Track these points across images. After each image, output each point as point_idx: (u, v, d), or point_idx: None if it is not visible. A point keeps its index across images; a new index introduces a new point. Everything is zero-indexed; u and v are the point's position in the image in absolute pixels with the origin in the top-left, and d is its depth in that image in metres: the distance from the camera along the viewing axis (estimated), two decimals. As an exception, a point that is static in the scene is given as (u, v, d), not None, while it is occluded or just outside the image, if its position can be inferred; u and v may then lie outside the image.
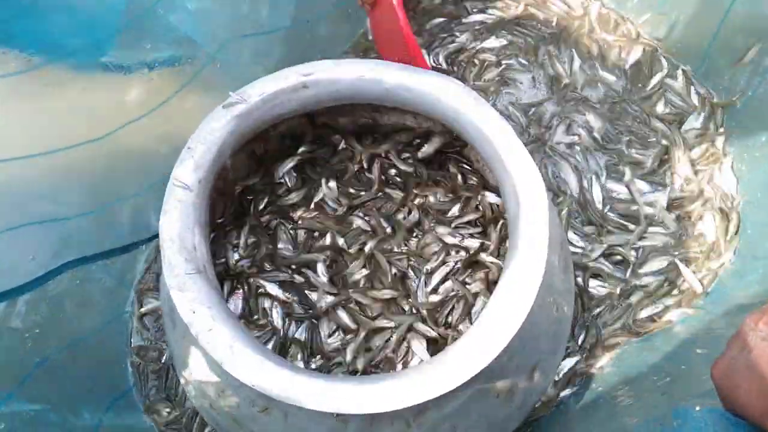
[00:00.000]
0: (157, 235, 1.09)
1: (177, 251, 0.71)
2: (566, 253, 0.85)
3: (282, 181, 0.96)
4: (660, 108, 1.12)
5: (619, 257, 1.02)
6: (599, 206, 1.05)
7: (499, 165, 0.73)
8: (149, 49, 0.99)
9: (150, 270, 1.10)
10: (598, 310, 0.98)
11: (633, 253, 1.01)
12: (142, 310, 1.05)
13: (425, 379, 0.65)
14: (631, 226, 1.03)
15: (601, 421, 0.82)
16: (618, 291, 0.99)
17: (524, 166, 0.71)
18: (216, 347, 0.66)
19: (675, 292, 0.98)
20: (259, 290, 0.91)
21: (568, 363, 0.95)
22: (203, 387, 0.80)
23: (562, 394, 0.94)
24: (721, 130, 1.08)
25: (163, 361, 1.03)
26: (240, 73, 0.80)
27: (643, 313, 0.97)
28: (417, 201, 0.95)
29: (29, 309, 0.91)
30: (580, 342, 0.96)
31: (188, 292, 0.69)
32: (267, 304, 0.91)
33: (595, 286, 1.00)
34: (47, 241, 0.94)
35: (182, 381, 0.87)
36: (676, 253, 1.01)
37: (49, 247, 0.94)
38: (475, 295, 0.87)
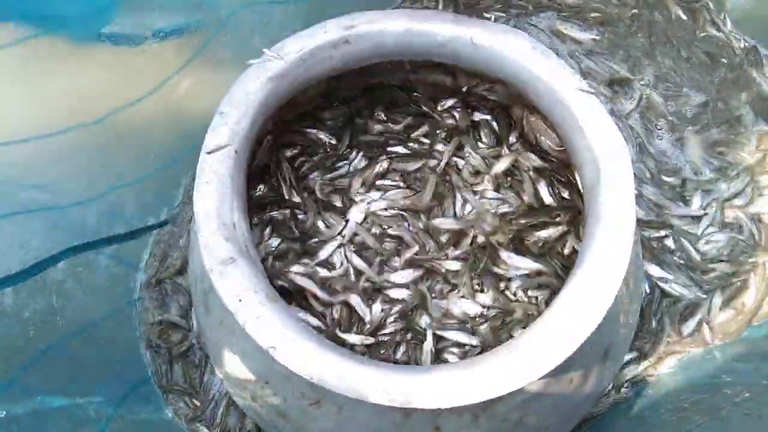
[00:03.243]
0: (165, 222, 1.02)
1: (216, 230, 0.63)
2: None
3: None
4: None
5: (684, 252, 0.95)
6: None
7: (571, 126, 0.65)
8: (154, 18, 0.91)
9: (163, 254, 1.03)
10: (662, 306, 0.91)
11: (699, 252, 0.94)
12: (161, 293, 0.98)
13: (502, 369, 0.58)
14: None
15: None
16: (688, 292, 0.91)
17: (604, 127, 0.63)
18: (266, 337, 0.59)
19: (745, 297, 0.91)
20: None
21: (627, 356, 0.88)
22: (244, 378, 0.73)
23: (616, 397, 0.87)
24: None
25: (184, 346, 0.96)
26: (255, 46, 0.71)
27: (716, 318, 0.89)
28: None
29: (29, 297, 0.85)
30: (640, 342, 0.89)
31: (231, 278, 0.61)
32: None
33: (662, 279, 0.92)
34: (38, 231, 0.88)
35: (218, 371, 0.80)
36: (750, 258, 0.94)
37: (42, 237, 0.88)
38: None
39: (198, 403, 0.93)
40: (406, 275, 0.78)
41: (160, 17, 0.92)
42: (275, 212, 0.83)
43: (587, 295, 0.58)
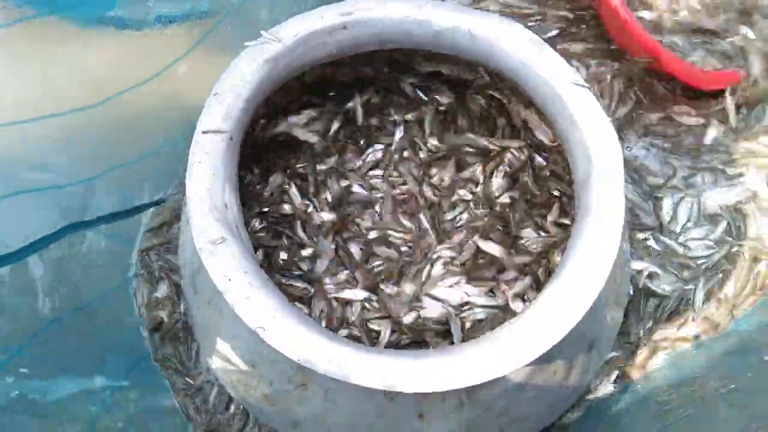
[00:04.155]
0: (159, 201, 1.03)
1: (207, 211, 0.63)
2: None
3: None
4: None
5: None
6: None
7: (566, 120, 0.66)
8: (158, 3, 0.91)
9: (155, 232, 1.03)
10: (648, 303, 0.92)
11: (682, 247, 0.95)
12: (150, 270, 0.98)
13: (488, 356, 0.59)
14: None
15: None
16: (672, 288, 0.92)
17: (598, 122, 0.64)
18: (255, 318, 0.59)
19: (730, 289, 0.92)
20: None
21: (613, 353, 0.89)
22: (230, 360, 0.73)
23: (602, 393, 0.88)
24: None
25: (171, 323, 0.96)
26: (259, 34, 0.72)
27: (700, 312, 0.91)
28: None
29: (29, 274, 0.86)
30: (626, 339, 0.90)
31: (221, 257, 0.61)
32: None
33: (646, 274, 0.93)
34: (41, 209, 0.89)
35: (204, 352, 0.80)
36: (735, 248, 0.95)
37: (45, 215, 0.89)
38: None
39: (191, 382, 0.93)
40: None
41: (164, 2, 0.92)
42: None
43: (575, 285, 0.59)
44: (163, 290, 0.98)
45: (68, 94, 0.87)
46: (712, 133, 1.03)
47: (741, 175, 1.00)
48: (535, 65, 0.67)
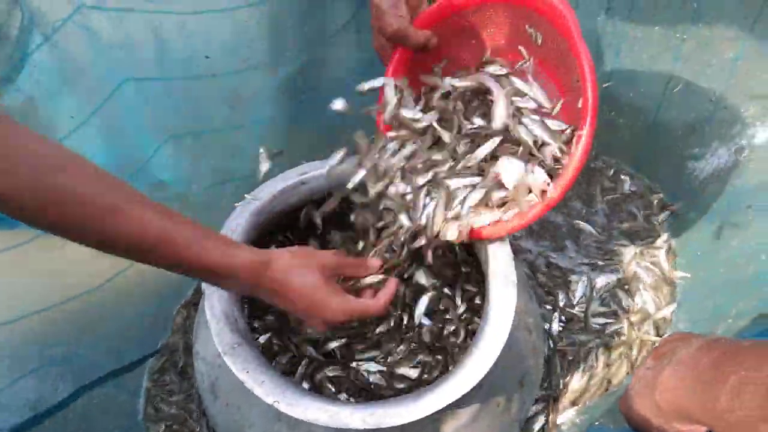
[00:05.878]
0: (154, 352, 1.26)
1: (224, 325, 0.86)
2: (527, 286, 1.06)
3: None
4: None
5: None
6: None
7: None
8: None
9: (156, 379, 1.25)
10: (564, 363, 1.17)
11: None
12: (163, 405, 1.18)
13: (442, 391, 0.81)
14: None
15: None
16: (574, 347, 1.18)
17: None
18: (270, 394, 0.81)
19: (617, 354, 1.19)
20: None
21: (534, 408, 1.13)
22: (250, 445, 0.92)
23: None
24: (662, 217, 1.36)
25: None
26: (220, 213, 0.97)
27: (601, 375, 1.17)
28: None
29: (64, 423, 1.06)
30: (545, 394, 1.14)
31: (239, 356, 0.84)
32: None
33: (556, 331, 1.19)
34: (60, 375, 1.08)
35: (227, 447, 0.99)
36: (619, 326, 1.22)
37: (62, 379, 1.09)
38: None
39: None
40: None
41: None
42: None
43: (489, 339, 0.84)
44: (179, 419, 1.18)
45: (73, 284, 1.10)
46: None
47: (618, 257, 1.30)
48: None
